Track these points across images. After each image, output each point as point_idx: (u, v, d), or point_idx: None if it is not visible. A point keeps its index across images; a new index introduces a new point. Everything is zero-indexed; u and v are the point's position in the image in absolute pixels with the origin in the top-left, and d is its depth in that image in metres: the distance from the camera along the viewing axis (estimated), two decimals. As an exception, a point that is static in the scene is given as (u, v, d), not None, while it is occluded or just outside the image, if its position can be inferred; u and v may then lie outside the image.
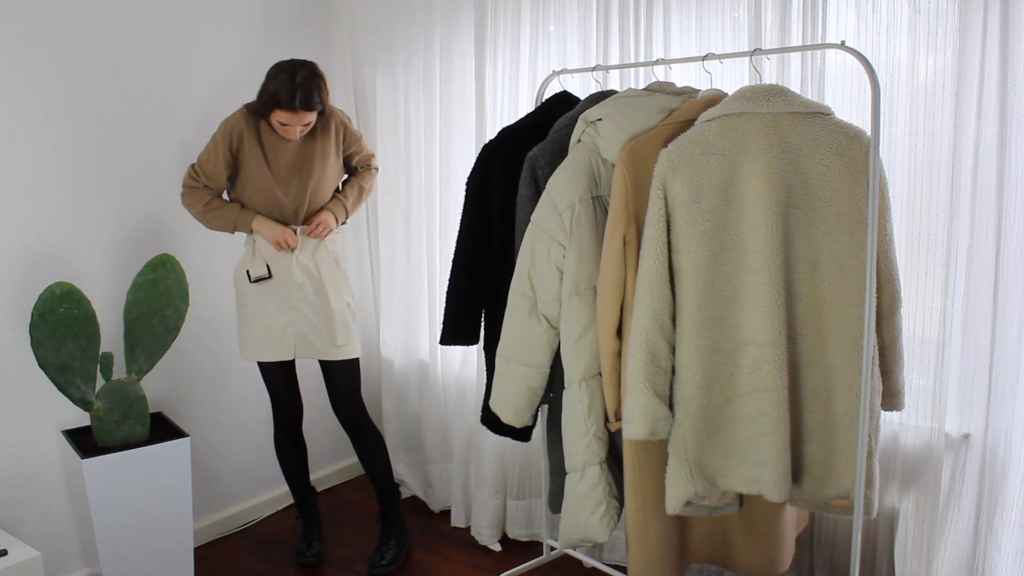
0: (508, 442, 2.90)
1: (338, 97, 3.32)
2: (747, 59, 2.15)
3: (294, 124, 2.50)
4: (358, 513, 3.24)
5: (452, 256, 2.42)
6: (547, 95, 2.50)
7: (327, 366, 2.77)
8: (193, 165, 2.63)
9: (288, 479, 2.95)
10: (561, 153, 2.18)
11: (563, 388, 2.14)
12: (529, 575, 2.78)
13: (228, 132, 2.58)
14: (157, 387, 2.81)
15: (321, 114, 2.59)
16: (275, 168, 2.61)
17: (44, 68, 2.51)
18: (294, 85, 2.44)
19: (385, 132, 3.27)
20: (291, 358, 2.73)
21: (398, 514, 2.92)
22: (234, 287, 2.73)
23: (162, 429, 2.68)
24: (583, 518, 2.15)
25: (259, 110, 2.54)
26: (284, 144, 2.61)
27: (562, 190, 2.05)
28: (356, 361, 2.80)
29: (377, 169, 2.90)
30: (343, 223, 2.77)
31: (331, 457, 3.49)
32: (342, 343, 2.72)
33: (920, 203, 2.17)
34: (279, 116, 2.48)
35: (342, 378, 2.78)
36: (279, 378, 2.79)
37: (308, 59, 2.55)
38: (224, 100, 2.97)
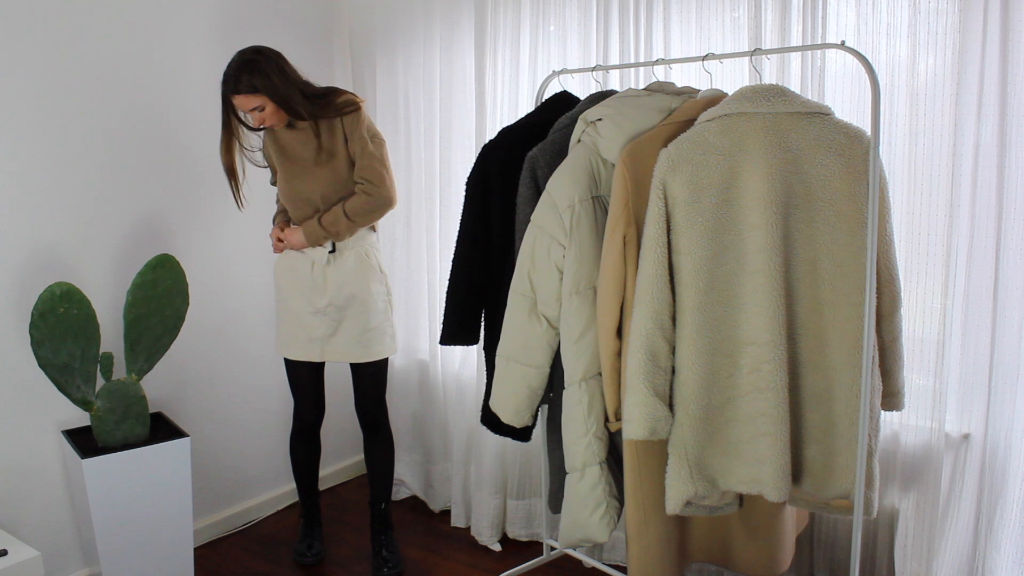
0: (508, 442, 2.90)
1: (338, 97, 3.31)
2: (747, 59, 2.15)
3: (244, 109, 2.53)
4: (358, 513, 3.24)
5: (452, 256, 2.42)
6: (547, 95, 2.50)
7: (356, 366, 2.77)
8: None
9: (297, 478, 2.95)
10: (561, 153, 2.18)
11: (563, 388, 2.14)
12: (529, 575, 2.78)
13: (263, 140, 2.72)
14: (157, 387, 2.81)
15: (322, 112, 2.58)
16: (287, 165, 2.64)
17: (43, 68, 2.51)
18: (224, 73, 2.50)
19: (385, 132, 3.25)
20: (317, 360, 2.72)
21: (390, 516, 2.92)
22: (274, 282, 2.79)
23: (162, 429, 2.68)
24: (583, 518, 2.15)
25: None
26: (292, 140, 2.62)
27: (562, 190, 2.05)
28: (385, 361, 2.80)
29: (368, 196, 2.59)
30: (325, 241, 2.64)
31: (332, 457, 3.48)
32: (373, 350, 2.71)
33: (920, 203, 2.17)
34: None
35: (369, 379, 2.77)
36: (304, 378, 2.78)
37: (264, 46, 2.55)
38: (224, 100, 2.97)
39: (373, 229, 2.78)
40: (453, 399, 3.11)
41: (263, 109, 2.53)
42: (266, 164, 2.76)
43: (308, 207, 2.65)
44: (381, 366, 2.78)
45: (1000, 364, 2.10)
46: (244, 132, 2.62)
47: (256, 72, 2.49)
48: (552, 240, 2.07)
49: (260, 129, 2.63)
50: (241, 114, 2.56)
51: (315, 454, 2.93)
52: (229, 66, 2.51)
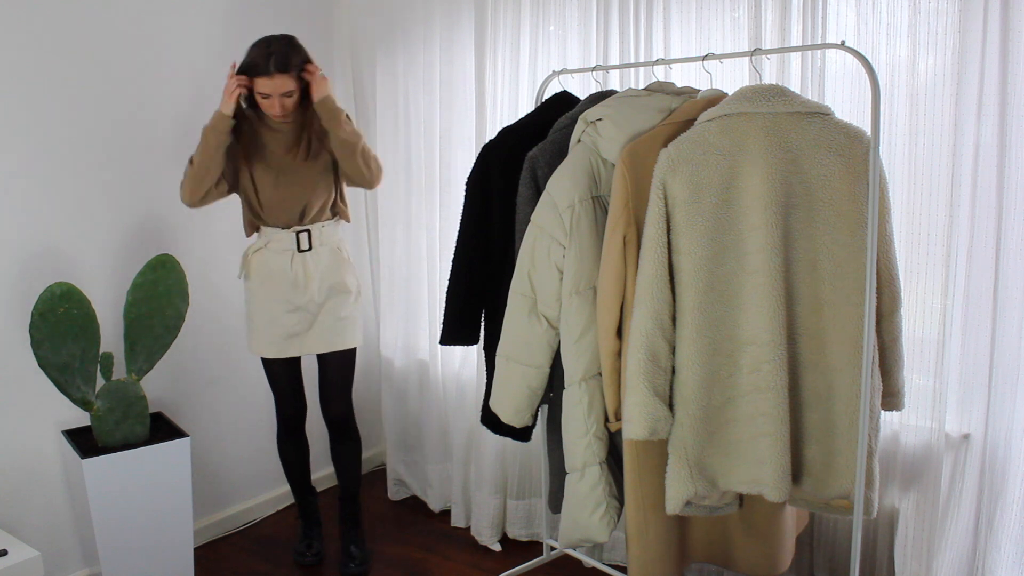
0: (508, 442, 2.90)
1: (338, 97, 3.31)
2: (747, 59, 2.15)
3: (274, 93, 2.47)
4: (362, 514, 3.23)
5: (452, 256, 2.42)
6: (547, 95, 2.50)
7: (322, 357, 2.77)
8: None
9: (290, 479, 2.95)
10: (561, 153, 2.18)
11: (563, 388, 2.14)
12: (529, 575, 2.78)
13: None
14: (157, 387, 2.81)
15: (306, 102, 2.55)
16: (271, 166, 2.60)
17: (44, 69, 2.51)
18: (268, 51, 2.46)
19: (385, 132, 3.27)
20: (295, 355, 2.72)
21: (360, 513, 2.94)
22: (242, 281, 2.74)
23: (162, 429, 2.68)
24: (583, 518, 2.15)
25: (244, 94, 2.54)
26: (273, 140, 2.59)
27: (562, 190, 2.05)
28: (353, 352, 2.79)
29: (379, 165, 2.68)
30: (334, 116, 2.55)
31: (329, 459, 3.48)
32: (344, 338, 2.72)
33: (920, 203, 2.17)
34: (259, 86, 2.47)
35: (336, 370, 2.78)
36: (282, 375, 2.78)
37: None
38: (224, 100, 2.97)
39: (346, 220, 2.79)
40: (453, 399, 3.11)
41: (291, 96, 2.50)
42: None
43: (295, 209, 2.62)
44: (349, 360, 2.79)
45: (1000, 364, 2.10)
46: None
47: (301, 55, 2.49)
48: (552, 240, 2.07)
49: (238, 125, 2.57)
50: (259, 97, 2.50)
51: (303, 453, 2.93)
52: (269, 44, 2.46)
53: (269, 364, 2.77)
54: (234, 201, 2.72)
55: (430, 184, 3.15)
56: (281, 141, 2.60)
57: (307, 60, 2.54)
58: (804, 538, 2.46)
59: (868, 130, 1.88)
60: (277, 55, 2.45)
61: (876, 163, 1.85)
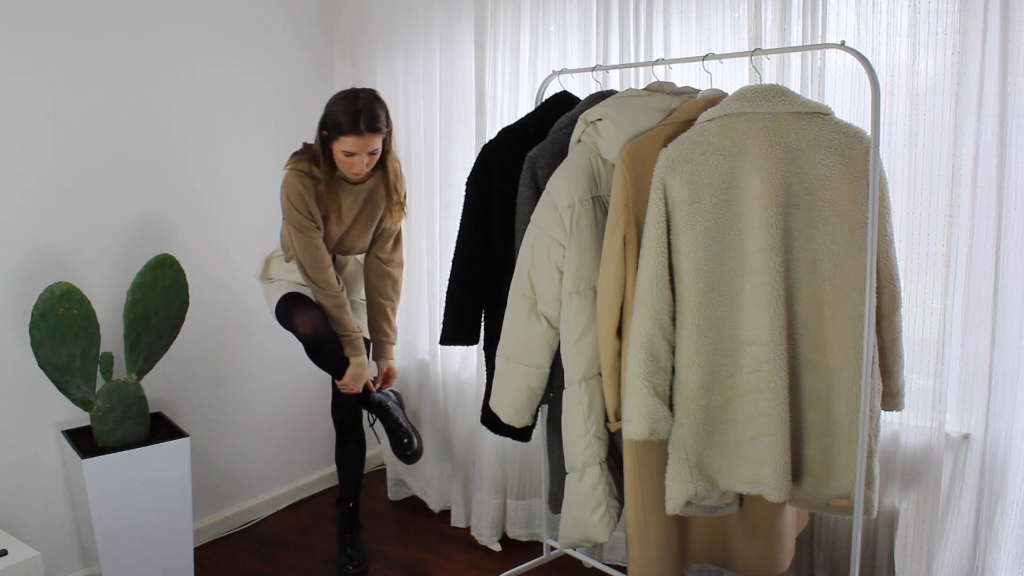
0: (508, 442, 2.90)
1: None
2: (747, 59, 2.15)
3: (360, 152, 2.40)
4: (363, 514, 3.23)
5: (452, 256, 2.42)
6: (547, 95, 2.50)
7: None
8: (303, 267, 2.54)
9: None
10: (561, 153, 2.18)
11: (563, 388, 2.14)
12: (529, 575, 2.78)
13: (298, 195, 2.47)
14: (157, 387, 2.81)
15: (383, 161, 2.51)
16: (338, 219, 2.56)
17: (45, 68, 2.51)
18: (356, 108, 2.37)
19: (385, 132, 3.27)
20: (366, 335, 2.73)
21: (358, 514, 2.94)
22: (269, 279, 2.72)
23: (162, 429, 2.68)
24: (583, 518, 2.15)
25: (320, 144, 2.46)
26: (352, 196, 2.56)
27: (562, 190, 2.05)
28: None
29: (401, 281, 2.79)
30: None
31: (328, 461, 3.48)
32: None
33: (920, 203, 2.17)
34: (344, 144, 2.39)
35: None
36: (329, 339, 2.58)
37: (369, 87, 2.53)
38: (224, 100, 2.97)
39: None
40: (453, 399, 3.11)
41: (374, 153, 2.45)
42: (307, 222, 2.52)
43: (344, 248, 2.66)
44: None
45: (1000, 364, 2.10)
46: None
47: (387, 110, 2.44)
48: (552, 240, 2.07)
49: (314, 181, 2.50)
50: (340, 155, 2.43)
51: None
52: (355, 100, 2.38)
53: (313, 338, 2.54)
54: (236, 203, 2.71)
55: (430, 184, 3.15)
56: (360, 197, 2.58)
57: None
58: (804, 538, 2.46)
59: (868, 130, 1.88)
60: (367, 113, 2.37)
61: (876, 163, 1.85)
